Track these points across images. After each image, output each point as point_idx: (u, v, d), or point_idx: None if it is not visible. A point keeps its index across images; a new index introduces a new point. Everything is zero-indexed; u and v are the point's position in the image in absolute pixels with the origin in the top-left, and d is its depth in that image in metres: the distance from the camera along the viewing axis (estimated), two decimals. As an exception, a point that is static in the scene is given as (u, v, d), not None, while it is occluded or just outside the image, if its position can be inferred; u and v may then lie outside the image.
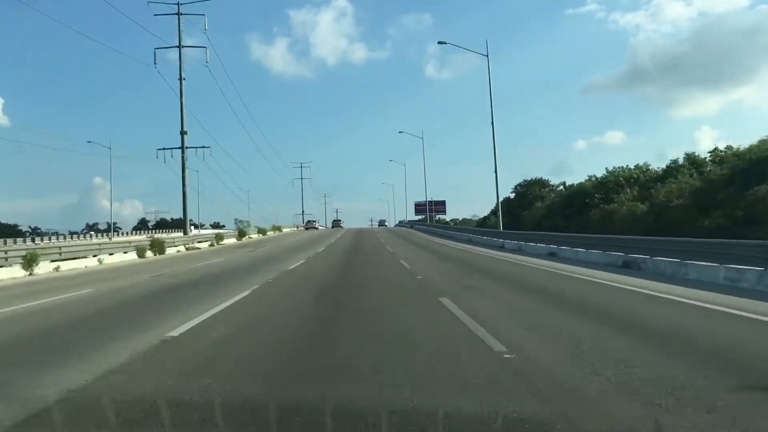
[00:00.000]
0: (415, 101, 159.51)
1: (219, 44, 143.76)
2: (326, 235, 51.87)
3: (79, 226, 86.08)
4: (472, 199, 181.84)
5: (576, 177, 58.32)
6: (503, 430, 3.52)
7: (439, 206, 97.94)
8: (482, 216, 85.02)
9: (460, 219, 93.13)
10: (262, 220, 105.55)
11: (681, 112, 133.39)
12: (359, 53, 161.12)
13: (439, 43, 53.14)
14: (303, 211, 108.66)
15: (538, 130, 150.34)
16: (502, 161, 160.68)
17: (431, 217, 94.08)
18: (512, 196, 58.86)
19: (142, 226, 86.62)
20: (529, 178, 56.49)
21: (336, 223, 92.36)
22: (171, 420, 3.70)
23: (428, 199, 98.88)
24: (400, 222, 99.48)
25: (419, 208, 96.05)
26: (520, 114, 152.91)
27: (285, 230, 72.03)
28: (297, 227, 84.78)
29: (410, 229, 67.79)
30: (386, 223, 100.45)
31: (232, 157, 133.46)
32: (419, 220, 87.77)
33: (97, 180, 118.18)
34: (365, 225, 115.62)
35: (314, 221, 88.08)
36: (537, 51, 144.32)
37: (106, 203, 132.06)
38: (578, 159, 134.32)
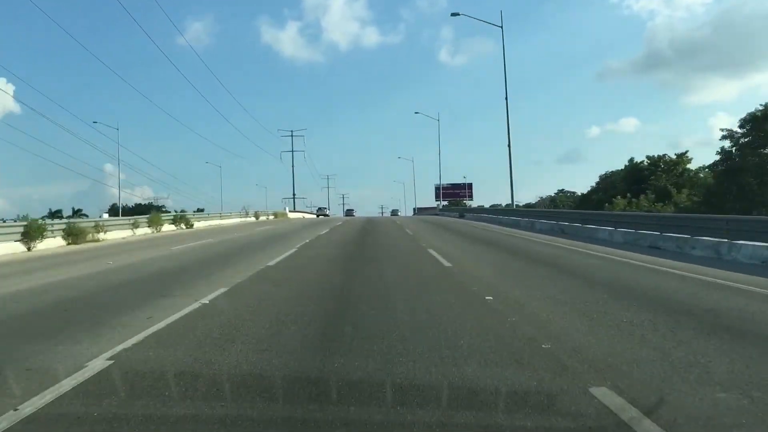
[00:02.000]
0: (429, 86, 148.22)
1: (228, 27, 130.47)
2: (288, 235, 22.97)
3: (94, 212, 72.55)
4: (492, 186, 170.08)
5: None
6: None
7: (466, 190, 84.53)
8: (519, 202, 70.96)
9: (499, 206, 78.97)
10: (252, 204, 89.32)
11: (698, 98, 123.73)
12: (372, 37, 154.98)
13: (453, 15, 43.96)
14: (294, 194, 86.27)
15: (551, 115, 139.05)
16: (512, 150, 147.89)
17: (453, 203, 79.72)
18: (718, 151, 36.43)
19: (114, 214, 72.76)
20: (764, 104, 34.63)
21: (349, 213, 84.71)
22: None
23: (455, 181, 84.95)
24: (419, 209, 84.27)
25: (442, 191, 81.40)
26: (532, 99, 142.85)
27: (218, 222, 40.36)
28: (257, 217, 51.33)
29: (472, 222, 35.66)
30: (398, 213, 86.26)
31: (201, 135, 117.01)
32: (446, 207, 73.04)
33: (108, 167, 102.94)
34: (375, 214, 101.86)
35: (325, 208, 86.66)
36: (550, 35, 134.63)
37: (116, 190, 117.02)
38: (591, 146, 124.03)
